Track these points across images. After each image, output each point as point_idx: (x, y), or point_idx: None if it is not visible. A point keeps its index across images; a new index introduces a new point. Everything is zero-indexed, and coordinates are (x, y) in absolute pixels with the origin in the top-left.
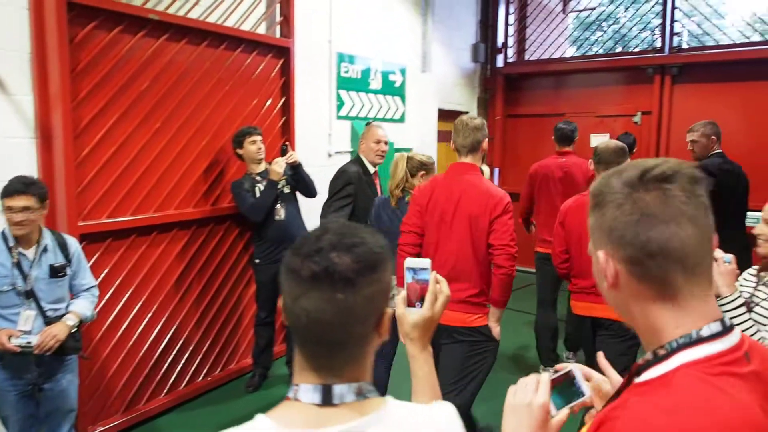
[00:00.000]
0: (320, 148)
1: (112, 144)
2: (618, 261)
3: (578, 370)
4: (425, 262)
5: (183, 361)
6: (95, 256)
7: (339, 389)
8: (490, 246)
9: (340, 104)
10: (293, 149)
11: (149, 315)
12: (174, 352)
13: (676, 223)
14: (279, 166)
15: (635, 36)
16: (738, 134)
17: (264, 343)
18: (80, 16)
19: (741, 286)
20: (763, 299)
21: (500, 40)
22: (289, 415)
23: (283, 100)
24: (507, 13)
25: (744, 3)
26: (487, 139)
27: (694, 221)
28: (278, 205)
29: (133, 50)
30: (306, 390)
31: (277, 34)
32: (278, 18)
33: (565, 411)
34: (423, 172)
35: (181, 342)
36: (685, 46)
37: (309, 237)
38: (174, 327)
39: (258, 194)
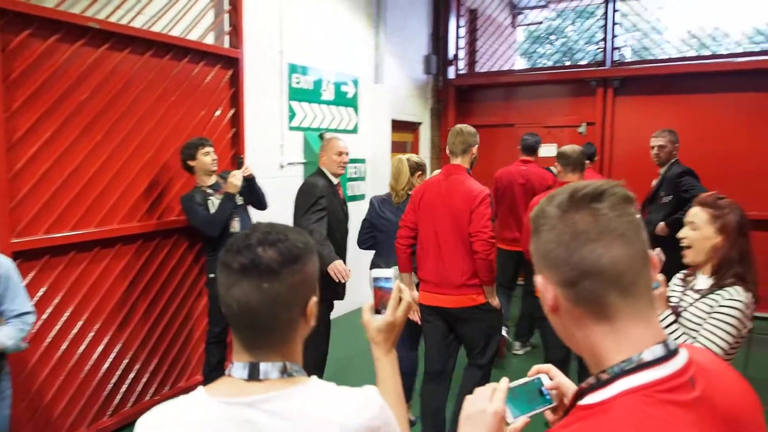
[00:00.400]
0: (272, 159)
1: (50, 157)
2: (555, 285)
3: (545, 376)
4: (389, 272)
5: (129, 381)
6: (31, 275)
7: (264, 367)
8: (470, 235)
9: (292, 115)
10: (244, 161)
11: (91, 334)
12: (119, 372)
13: (606, 241)
14: (237, 179)
15: (579, 50)
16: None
17: (215, 361)
18: (12, 24)
19: (670, 290)
20: (690, 304)
21: (451, 52)
22: (221, 387)
23: (232, 111)
24: (458, 26)
25: (679, 20)
26: (477, 145)
27: (624, 239)
28: (233, 219)
29: (72, 59)
30: (237, 367)
31: (226, 45)
32: (227, 28)
33: (522, 419)
34: (420, 172)
35: (126, 361)
36: (629, 59)
37: (239, 235)
38: (118, 346)
39: (211, 207)
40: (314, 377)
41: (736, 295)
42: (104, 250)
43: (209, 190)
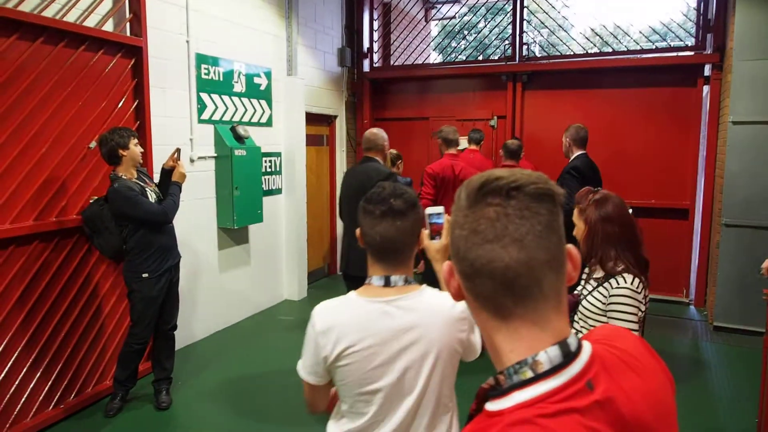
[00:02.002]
0: (182, 153)
1: None
2: (458, 274)
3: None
4: (439, 209)
5: (29, 391)
6: None
7: (394, 278)
8: None
9: (202, 107)
10: (151, 154)
11: None
12: (17, 382)
13: (500, 245)
14: (184, 168)
15: (490, 44)
16: None
17: (135, 366)
18: None
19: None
20: (589, 292)
21: (366, 45)
22: (366, 291)
23: (136, 102)
24: (372, 19)
25: (584, 19)
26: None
27: (521, 245)
28: None
29: None
30: (376, 279)
31: (128, 32)
32: (128, 15)
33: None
34: (399, 161)
35: (24, 370)
36: (538, 55)
37: (375, 192)
38: (16, 354)
39: (150, 198)
40: (425, 285)
41: (623, 283)
42: None
43: (139, 182)
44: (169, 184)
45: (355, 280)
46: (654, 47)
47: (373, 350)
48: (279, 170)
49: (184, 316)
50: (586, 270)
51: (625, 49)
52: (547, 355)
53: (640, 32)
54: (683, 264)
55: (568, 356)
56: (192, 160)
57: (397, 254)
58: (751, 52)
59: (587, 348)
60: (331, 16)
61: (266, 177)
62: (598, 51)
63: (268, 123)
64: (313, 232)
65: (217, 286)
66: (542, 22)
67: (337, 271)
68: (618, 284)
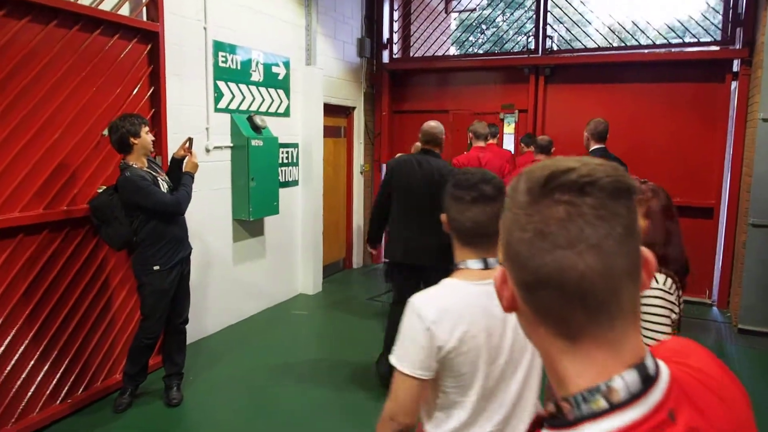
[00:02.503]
0: (197, 143)
1: None
2: (514, 283)
3: None
4: None
5: (36, 385)
6: None
7: (491, 260)
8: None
9: (219, 96)
10: (165, 143)
11: None
12: (24, 376)
13: (575, 251)
14: (197, 158)
15: (509, 40)
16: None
17: (146, 361)
18: None
19: None
20: None
21: (385, 35)
22: (465, 275)
23: (151, 90)
24: (392, 9)
25: (605, 12)
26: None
27: (600, 251)
28: None
29: None
30: (473, 262)
31: (144, 17)
32: None
33: None
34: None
35: (31, 364)
36: (555, 48)
37: (464, 179)
38: (23, 347)
39: (162, 188)
40: None
41: (655, 284)
42: (4, 241)
43: (151, 171)
44: (180, 174)
45: (410, 269)
46: (681, 41)
47: (489, 332)
48: (296, 162)
49: (195, 309)
50: None
51: (651, 43)
52: (624, 382)
53: (666, 25)
54: (707, 264)
55: (647, 381)
56: (208, 150)
57: (489, 238)
58: None
59: (665, 370)
60: (351, 5)
61: (283, 168)
62: (622, 44)
63: (286, 113)
64: (328, 226)
65: (231, 279)
66: (557, 19)
67: (350, 265)
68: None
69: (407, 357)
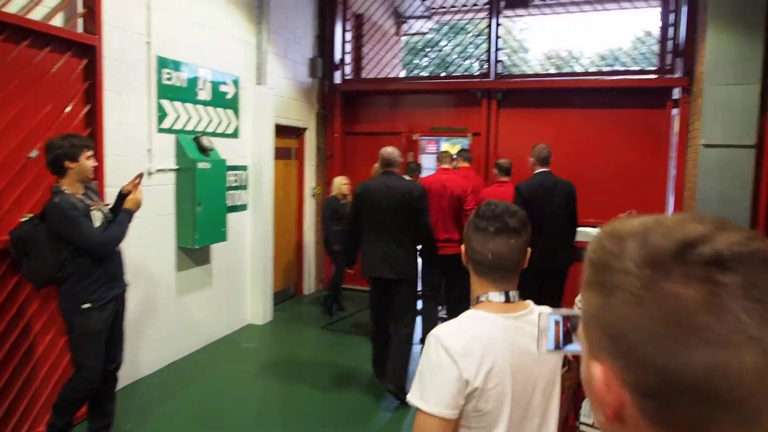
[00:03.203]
0: (138, 165)
1: None
2: (625, 386)
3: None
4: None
5: None
6: None
7: (512, 294)
8: (464, 210)
9: (163, 115)
10: (102, 166)
11: None
12: None
13: (730, 347)
14: (142, 195)
15: (455, 64)
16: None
17: (75, 412)
18: None
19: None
20: None
21: (337, 56)
22: (490, 308)
23: (88, 107)
24: (344, 30)
25: (542, 41)
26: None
27: (759, 344)
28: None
29: None
30: (495, 295)
31: (80, 29)
32: (81, 9)
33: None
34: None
35: None
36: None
37: (488, 210)
38: None
39: (95, 221)
40: (528, 300)
41: None
42: None
43: (84, 201)
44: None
45: (384, 282)
46: (626, 69)
47: (514, 368)
48: (245, 185)
49: (133, 347)
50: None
51: (597, 70)
52: None
53: (611, 52)
54: None
55: None
56: (150, 173)
57: (509, 271)
58: (723, 77)
59: None
60: (303, 24)
61: (231, 192)
62: (571, 71)
63: (235, 134)
64: (279, 251)
65: (174, 312)
66: (505, 41)
67: (300, 291)
68: None
69: (433, 395)
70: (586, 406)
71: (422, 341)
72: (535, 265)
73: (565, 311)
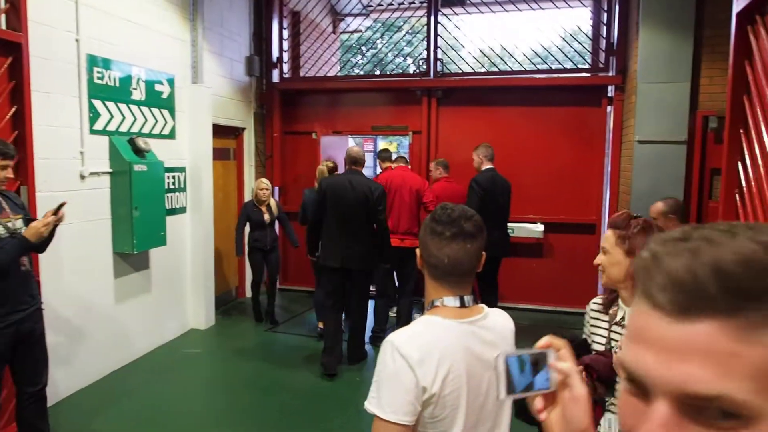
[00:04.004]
0: (70, 169)
1: None
2: None
3: (553, 352)
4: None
5: None
6: None
7: (467, 298)
8: (424, 203)
9: (95, 116)
10: (32, 170)
11: None
12: None
13: None
14: (47, 229)
15: (398, 62)
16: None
17: None
18: None
19: (592, 326)
20: (620, 342)
21: (275, 54)
22: (443, 313)
23: (14, 109)
24: (281, 28)
25: (478, 39)
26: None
27: None
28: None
29: None
30: (450, 300)
31: (3, 25)
32: (3, 4)
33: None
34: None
35: None
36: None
37: (443, 213)
38: None
39: None
40: (483, 304)
41: None
42: None
43: None
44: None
45: (343, 272)
46: (562, 68)
47: (470, 374)
48: (183, 187)
49: (68, 358)
50: (594, 311)
51: (533, 68)
52: None
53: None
54: (591, 276)
55: None
56: (83, 177)
57: (464, 276)
58: (656, 75)
59: None
60: (239, 22)
61: (169, 194)
62: (509, 70)
63: (171, 135)
64: (220, 254)
65: (111, 320)
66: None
67: (243, 294)
68: None
69: (390, 402)
70: (605, 424)
71: (372, 339)
72: (494, 254)
73: (525, 351)
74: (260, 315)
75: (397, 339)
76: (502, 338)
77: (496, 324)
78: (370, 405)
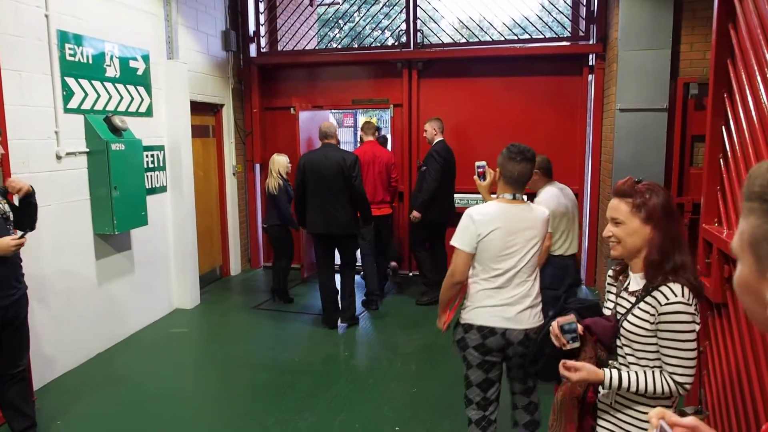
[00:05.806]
0: (45, 150)
1: None
2: None
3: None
4: (482, 162)
5: None
6: None
7: (518, 195)
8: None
9: (69, 94)
10: (6, 153)
11: None
12: None
13: None
14: (16, 248)
15: (377, 35)
16: (469, 123)
17: None
18: None
19: (607, 293)
20: (629, 310)
21: (252, 28)
22: (501, 200)
23: None
24: (257, 1)
25: (457, 9)
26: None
27: None
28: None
29: None
30: (508, 195)
31: None
32: None
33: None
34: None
35: None
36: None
37: (515, 147)
38: None
39: None
40: (526, 198)
41: (672, 296)
42: None
43: None
44: (27, 210)
45: (328, 237)
46: (543, 36)
47: (508, 231)
48: (163, 165)
49: (52, 342)
50: (609, 280)
51: (513, 38)
52: None
53: (526, 19)
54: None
55: None
56: (59, 157)
57: (524, 183)
58: (637, 43)
59: None
60: None
61: (149, 173)
62: (489, 40)
63: (148, 113)
64: (202, 232)
65: (96, 302)
66: (426, 12)
67: (227, 272)
68: (667, 298)
69: (461, 240)
70: (609, 373)
71: (365, 298)
72: (444, 219)
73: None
74: (287, 296)
75: (471, 209)
76: (534, 219)
77: (534, 212)
78: (453, 241)
